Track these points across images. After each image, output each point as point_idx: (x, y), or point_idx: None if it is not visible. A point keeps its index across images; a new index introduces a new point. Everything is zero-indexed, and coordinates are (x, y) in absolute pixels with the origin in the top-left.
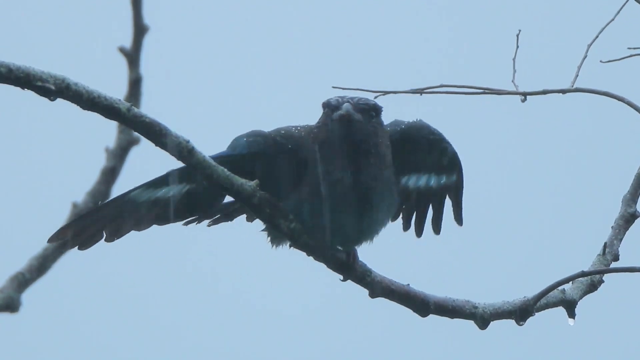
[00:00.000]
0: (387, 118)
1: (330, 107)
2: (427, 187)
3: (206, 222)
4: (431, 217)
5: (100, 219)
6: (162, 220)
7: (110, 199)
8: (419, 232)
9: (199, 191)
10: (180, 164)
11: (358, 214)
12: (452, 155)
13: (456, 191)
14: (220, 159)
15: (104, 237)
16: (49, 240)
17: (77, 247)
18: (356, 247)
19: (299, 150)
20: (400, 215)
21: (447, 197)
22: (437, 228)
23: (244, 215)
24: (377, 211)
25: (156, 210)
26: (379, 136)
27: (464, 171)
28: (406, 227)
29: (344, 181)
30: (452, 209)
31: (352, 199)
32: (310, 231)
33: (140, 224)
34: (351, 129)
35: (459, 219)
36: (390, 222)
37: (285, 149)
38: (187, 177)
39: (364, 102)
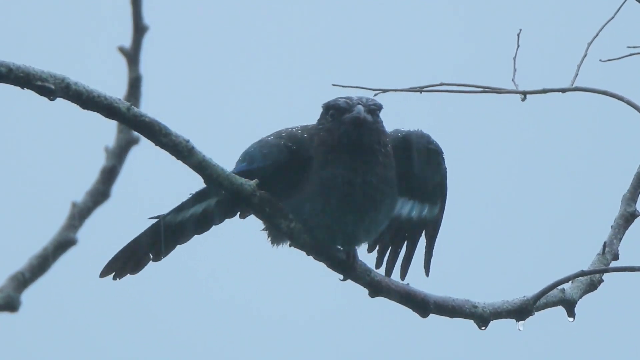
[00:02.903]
0: (386, 116)
1: (338, 109)
2: (408, 218)
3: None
4: (402, 258)
5: (142, 246)
6: (202, 230)
7: (145, 228)
8: (389, 271)
9: (228, 199)
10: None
11: (364, 213)
12: (443, 176)
13: (433, 229)
14: (238, 174)
15: (152, 258)
16: (101, 275)
17: (129, 273)
18: (357, 247)
19: (303, 151)
20: (376, 249)
21: (424, 234)
22: (404, 271)
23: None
24: (380, 211)
25: (194, 224)
26: (386, 135)
27: (446, 207)
28: (378, 264)
29: (353, 182)
30: (424, 252)
31: (360, 199)
32: (315, 231)
33: (182, 239)
34: (364, 131)
35: (427, 266)
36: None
37: (294, 153)
38: (214, 193)
39: (372, 103)
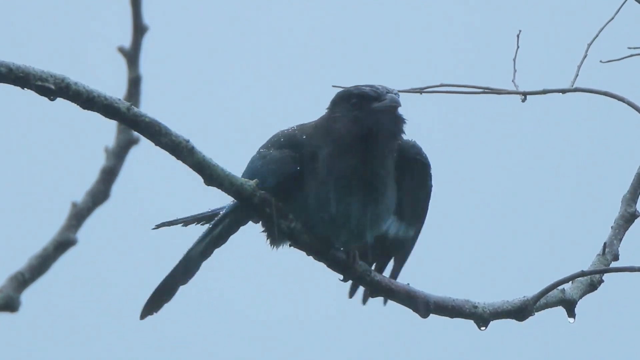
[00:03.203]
0: None
1: (365, 98)
2: (383, 235)
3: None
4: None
5: (173, 280)
6: (221, 244)
7: (175, 266)
8: (351, 294)
9: (242, 217)
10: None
11: (369, 205)
12: (428, 192)
13: (404, 252)
14: None
15: (182, 283)
16: (141, 318)
17: (164, 304)
18: (359, 244)
19: (307, 152)
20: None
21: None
22: (367, 295)
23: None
24: (383, 203)
25: (214, 243)
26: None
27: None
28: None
29: (366, 172)
30: (391, 270)
31: (368, 190)
32: (318, 227)
33: (205, 258)
34: (398, 117)
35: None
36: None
37: (299, 160)
38: (230, 214)
39: (396, 92)
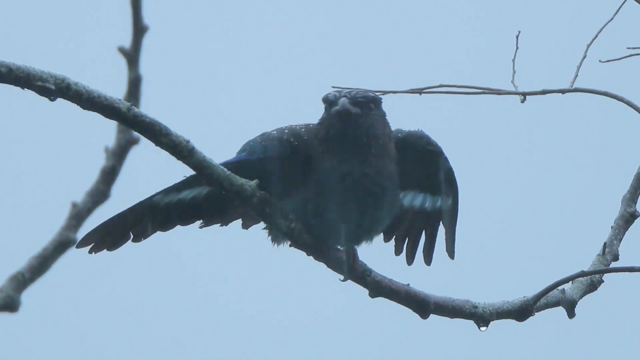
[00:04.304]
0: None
1: (329, 103)
2: (421, 209)
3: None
4: (423, 245)
5: (125, 223)
6: (186, 220)
7: (133, 204)
8: (410, 259)
9: (220, 193)
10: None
11: (364, 207)
12: (449, 173)
13: (450, 218)
14: (237, 163)
15: (131, 238)
16: (78, 246)
17: (105, 249)
18: (357, 246)
19: (306, 148)
20: (394, 237)
21: (442, 223)
22: (428, 258)
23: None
24: (381, 207)
25: (180, 211)
26: (378, 128)
27: (460, 196)
28: (398, 251)
29: (347, 176)
30: (445, 237)
31: (356, 194)
32: (314, 229)
33: (165, 225)
34: (349, 123)
35: (451, 250)
36: (390, 219)
37: (296, 149)
38: (190, 184)
39: (361, 95)
